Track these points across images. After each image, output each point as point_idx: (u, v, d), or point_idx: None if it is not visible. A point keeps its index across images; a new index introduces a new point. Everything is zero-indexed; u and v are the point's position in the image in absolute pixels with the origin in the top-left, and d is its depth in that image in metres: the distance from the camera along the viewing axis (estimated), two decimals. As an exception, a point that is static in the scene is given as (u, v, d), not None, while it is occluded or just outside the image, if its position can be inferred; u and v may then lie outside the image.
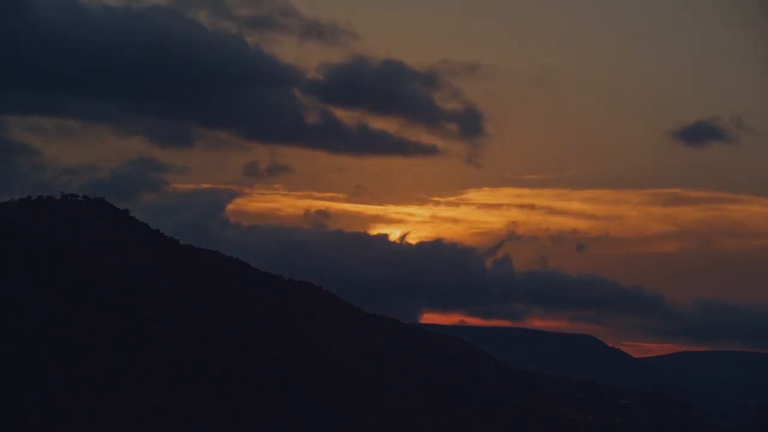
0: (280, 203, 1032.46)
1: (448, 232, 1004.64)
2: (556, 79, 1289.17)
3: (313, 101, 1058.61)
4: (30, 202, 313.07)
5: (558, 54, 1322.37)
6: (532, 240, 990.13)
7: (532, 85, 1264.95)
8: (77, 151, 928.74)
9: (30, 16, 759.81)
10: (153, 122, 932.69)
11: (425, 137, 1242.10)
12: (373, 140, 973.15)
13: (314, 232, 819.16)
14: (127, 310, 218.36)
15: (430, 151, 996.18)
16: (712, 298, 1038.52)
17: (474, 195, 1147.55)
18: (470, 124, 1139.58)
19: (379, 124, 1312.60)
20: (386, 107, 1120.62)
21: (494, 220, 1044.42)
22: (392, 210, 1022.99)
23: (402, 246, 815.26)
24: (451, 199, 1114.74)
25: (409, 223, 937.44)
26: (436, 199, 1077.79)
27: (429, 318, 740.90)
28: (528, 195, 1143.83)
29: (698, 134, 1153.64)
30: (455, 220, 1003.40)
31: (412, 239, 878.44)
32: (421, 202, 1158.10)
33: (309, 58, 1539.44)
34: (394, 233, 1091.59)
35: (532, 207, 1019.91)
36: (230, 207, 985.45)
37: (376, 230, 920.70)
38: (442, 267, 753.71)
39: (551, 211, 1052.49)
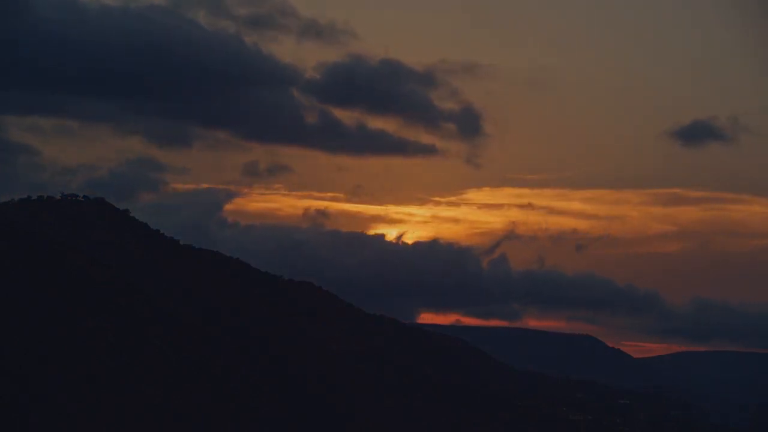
0: (281, 203, 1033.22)
1: (448, 232, 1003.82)
2: (555, 79, 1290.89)
3: (311, 101, 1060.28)
4: (30, 202, 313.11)
5: (557, 54, 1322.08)
6: (532, 240, 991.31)
7: (531, 85, 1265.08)
8: (76, 151, 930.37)
9: (29, 16, 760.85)
10: (152, 122, 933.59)
11: (424, 137, 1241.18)
12: (372, 140, 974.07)
13: (312, 231, 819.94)
14: (127, 310, 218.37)
15: (429, 151, 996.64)
16: (712, 298, 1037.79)
17: (474, 195, 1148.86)
18: (469, 124, 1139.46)
19: (378, 123, 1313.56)
20: (385, 107, 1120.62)
21: (495, 220, 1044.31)
22: (392, 210, 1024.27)
23: (399, 246, 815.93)
24: (452, 199, 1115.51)
25: (410, 223, 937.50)
26: (437, 199, 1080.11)
27: (426, 318, 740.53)
28: (528, 195, 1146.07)
29: (698, 134, 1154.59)
30: (455, 220, 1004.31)
31: (409, 239, 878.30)
32: (421, 202, 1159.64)
33: (307, 58, 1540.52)
34: (391, 233, 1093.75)
35: (531, 207, 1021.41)
36: (230, 207, 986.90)
37: (376, 230, 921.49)
38: (439, 267, 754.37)
39: (551, 211, 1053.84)
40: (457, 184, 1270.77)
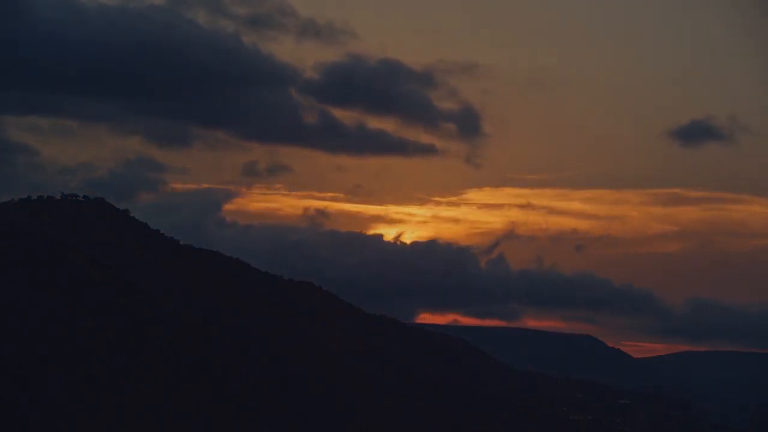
0: (280, 203, 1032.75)
1: (449, 232, 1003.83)
2: (554, 79, 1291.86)
3: (310, 101, 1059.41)
4: (30, 202, 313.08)
5: (556, 54, 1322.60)
6: (532, 240, 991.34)
7: (530, 85, 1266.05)
8: (75, 151, 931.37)
9: (29, 16, 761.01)
10: (151, 122, 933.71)
11: (424, 137, 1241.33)
12: (371, 140, 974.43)
13: (312, 231, 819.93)
14: (127, 310, 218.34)
15: (429, 150, 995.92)
16: (711, 298, 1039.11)
17: (474, 195, 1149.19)
18: (468, 124, 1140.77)
19: (377, 123, 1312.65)
20: (384, 107, 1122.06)
21: (495, 220, 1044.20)
22: (393, 210, 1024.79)
23: (399, 246, 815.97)
24: (452, 199, 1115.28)
25: (410, 223, 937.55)
26: (437, 199, 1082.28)
27: (424, 318, 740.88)
28: (528, 195, 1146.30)
29: (697, 134, 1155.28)
30: (456, 220, 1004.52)
31: (408, 239, 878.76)
32: (422, 202, 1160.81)
33: (306, 58, 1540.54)
34: (391, 233, 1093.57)
35: (531, 207, 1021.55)
36: (230, 207, 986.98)
37: (377, 230, 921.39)
38: (439, 267, 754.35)
39: (551, 211, 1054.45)
40: (457, 184, 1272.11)
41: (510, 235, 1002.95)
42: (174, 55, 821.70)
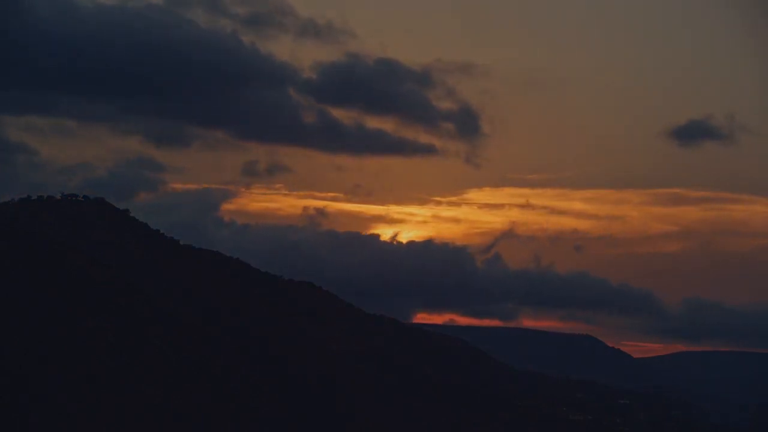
0: (280, 203, 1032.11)
1: (449, 232, 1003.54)
2: (553, 79, 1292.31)
3: (309, 100, 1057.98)
4: (30, 202, 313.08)
5: (555, 54, 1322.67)
6: (532, 240, 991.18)
7: (529, 85, 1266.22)
8: (74, 151, 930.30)
9: (28, 16, 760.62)
10: (150, 122, 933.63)
11: (423, 137, 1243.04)
12: (371, 140, 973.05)
13: (312, 231, 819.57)
14: (127, 310, 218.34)
15: (428, 150, 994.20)
16: (712, 297, 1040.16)
17: (475, 195, 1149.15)
18: (467, 124, 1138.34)
19: (376, 123, 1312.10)
20: (382, 106, 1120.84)
21: (496, 220, 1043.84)
22: (393, 210, 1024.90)
23: (396, 246, 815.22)
24: (453, 199, 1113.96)
25: (411, 223, 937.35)
26: (437, 199, 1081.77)
27: (421, 318, 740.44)
28: (528, 195, 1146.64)
29: (695, 133, 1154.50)
30: (456, 220, 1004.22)
31: (406, 239, 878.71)
32: (422, 202, 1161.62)
33: (304, 57, 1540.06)
34: (391, 233, 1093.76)
35: (531, 207, 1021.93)
36: (229, 207, 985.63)
37: (377, 231, 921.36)
38: (437, 267, 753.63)
39: (552, 210, 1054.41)
40: (458, 184, 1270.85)
41: (510, 234, 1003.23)
42: (173, 54, 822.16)
